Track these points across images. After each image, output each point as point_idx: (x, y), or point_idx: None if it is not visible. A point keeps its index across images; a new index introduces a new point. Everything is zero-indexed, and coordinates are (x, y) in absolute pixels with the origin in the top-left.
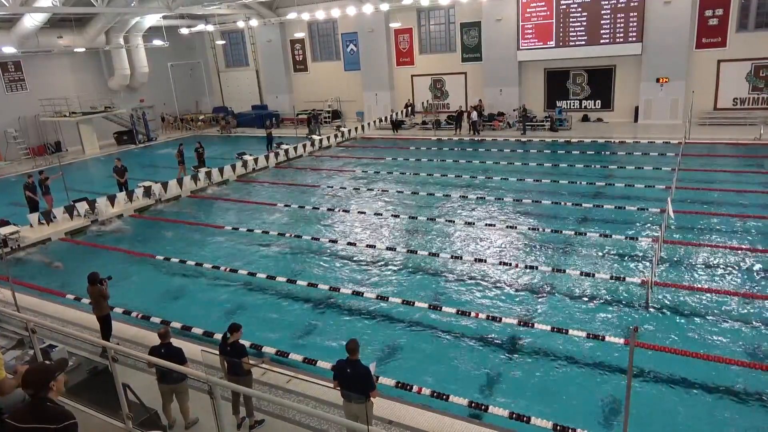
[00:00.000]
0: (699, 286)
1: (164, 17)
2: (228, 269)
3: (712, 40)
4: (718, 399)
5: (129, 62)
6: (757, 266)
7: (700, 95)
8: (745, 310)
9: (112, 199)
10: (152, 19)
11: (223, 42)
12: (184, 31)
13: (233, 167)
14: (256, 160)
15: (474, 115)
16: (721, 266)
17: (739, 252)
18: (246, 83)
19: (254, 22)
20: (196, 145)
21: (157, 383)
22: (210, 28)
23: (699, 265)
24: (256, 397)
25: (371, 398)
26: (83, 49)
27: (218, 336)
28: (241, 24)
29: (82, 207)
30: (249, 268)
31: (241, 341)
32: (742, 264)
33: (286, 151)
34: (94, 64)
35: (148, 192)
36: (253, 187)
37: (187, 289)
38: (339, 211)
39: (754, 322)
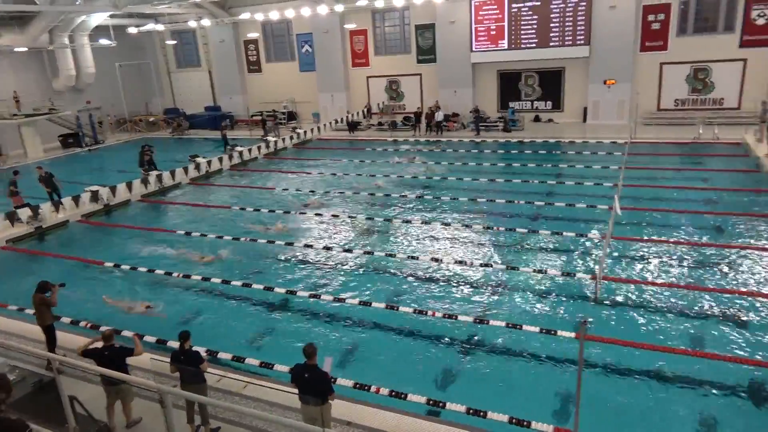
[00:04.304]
0: (645, 279)
1: (111, 16)
2: (181, 275)
3: (655, 43)
4: (665, 386)
5: (74, 62)
6: (698, 259)
7: (644, 96)
8: (688, 301)
9: (57, 205)
10: (99, 18)
11: (174, 42)
12: (133, 30)
13: (185, 170)
14: (209, 163)
15: (439, 115)
16: (666, 259)
17: (681, 246)
18: (198, 84)
19: (206, 22)
20: (144, 147)
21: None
22: (160, 27)
23: (645, 259)
24: (212, 405)
25: (329, 400)
26: (25, 49)
27: (172, 344)
28: (192, 24)
29: (25, 213)
30: (203, 273)
31: (196, 347)
32: (684, 257)
33: (241, 153)
34: (36, 64)
35: (95, 197)
36: (206, 191)
37: (138, 297)
38: (295, 213)
39: (695, 312)
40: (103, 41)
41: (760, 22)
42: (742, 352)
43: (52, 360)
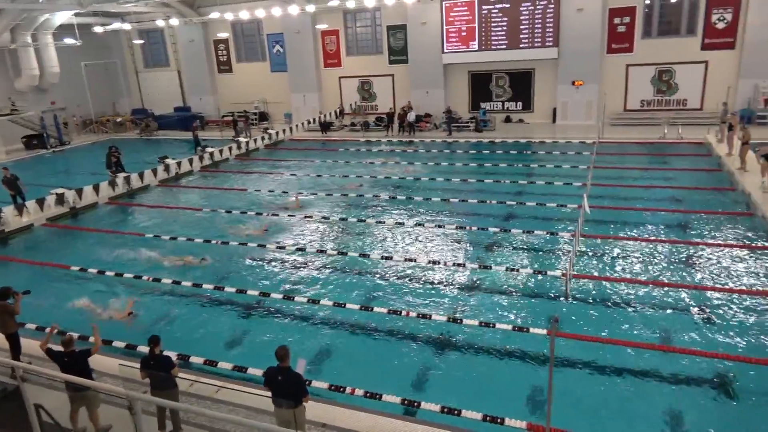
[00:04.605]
0: (613, 276)
1: (76, 14)
2: (151, 278)
3: (621, 45)
4: (635, 380)
5: (38, 62)
6: (665, 256)
7: (611, 97)
8: (656, 297)
9: (21, 208)
10: (63, 17)
11: (141, 41)
12: (99, 29)
13: (154, 172)
14: (179, 164)
15: (411, 115)
16: (633, 257)
17: (649, 243)
18: (167, 84)
19: (174, 21)
20: (111, 149)
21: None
22: (126, 26)
23: (613, 257)
24: (183, 410)
25: (303, 403)
26: None
27: (141, 349)
28: (160, 23)
29: None
30: (173, 277)
31: (167, 352)
32: (651, 254)
33: (212, 154)
34: None
35: (61, 199)
36: (176, 193)
37: (107, 301)
38: (268, 215)
39: (664, 308)
40: (68, 40)
41: (720, 25)
42: (708, 346)
43: (16, 368)
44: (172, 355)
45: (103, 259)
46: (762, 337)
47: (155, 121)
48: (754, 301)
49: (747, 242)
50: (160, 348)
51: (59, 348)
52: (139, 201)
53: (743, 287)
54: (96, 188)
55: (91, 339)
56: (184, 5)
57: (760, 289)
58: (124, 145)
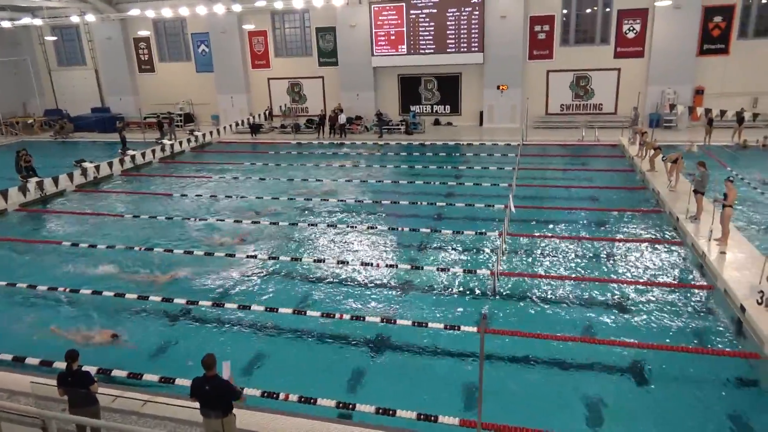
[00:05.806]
0: (538, 272)
1: None
2: (68, 289)
3: (542, 52)
4: (561, 372)
5: None
6: (585, 252)
7: (533, 101)
8: (577, 292)
9: None
10: None
11: (55, 38)
12: (6, 24)
13: (70, 176)
14: (97, 168)
15: (342, 117)
16: (556, 253)
17: (570, 240)
18: (83, 84)
19: (90, 17)
20: (20, 152)
21: None
22: (38, 21)
23: (538, 254)
24: (105, 427)
25: (240, 401)
26: None
27: (58, 365)
28: (75, 19)
29: None
30: (93, 287)
31: (87, 367)
32: (572, 251)
33: (133, 157)
34: None
35: None
36: (95, 198)
37: (17, 315)
38: (195, 220)
39: (585, 301)
40: None
41: (630, 35)
42: (625, 335)
43: None
44: (92, 370)
45: (14, 269)
46: (671, 325)
47: (71, 123)
48: (664, 291)
49: (657, 237)
50: (78, 363)
51: None
52: (53, 207)
53: (655, 279)
54: (4, 194)
55: (31, 360)
56: (100, 1)
57: (670, 280)
58: (37, 148)
